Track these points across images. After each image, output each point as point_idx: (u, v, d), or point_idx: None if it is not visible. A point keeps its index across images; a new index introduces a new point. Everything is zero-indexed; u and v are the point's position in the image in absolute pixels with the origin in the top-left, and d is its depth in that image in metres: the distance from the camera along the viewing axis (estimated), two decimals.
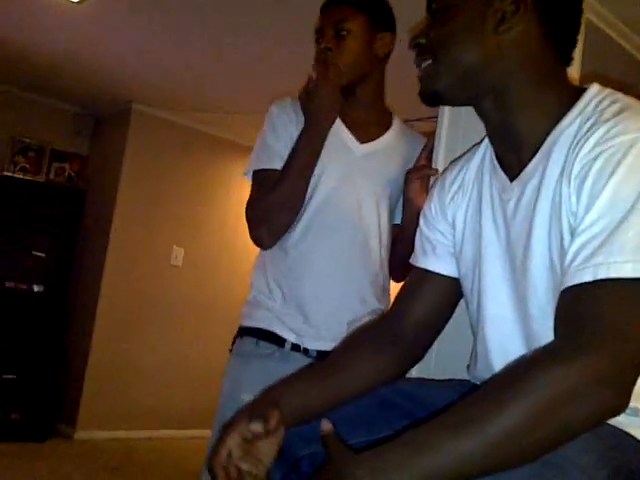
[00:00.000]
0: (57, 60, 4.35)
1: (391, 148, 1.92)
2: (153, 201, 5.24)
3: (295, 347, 1.80)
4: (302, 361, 1.75)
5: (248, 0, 3.11)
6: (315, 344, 1.79)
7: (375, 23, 1.85)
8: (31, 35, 3.93)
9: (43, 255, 4.96)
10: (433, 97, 1.16)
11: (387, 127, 1.94)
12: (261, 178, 1.85)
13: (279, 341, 1.80)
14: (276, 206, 1.78)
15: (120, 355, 5.10)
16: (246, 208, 1.87)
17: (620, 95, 1.02)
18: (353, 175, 1.85)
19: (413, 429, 0.87)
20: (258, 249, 1.92)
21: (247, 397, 1.60)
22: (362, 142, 1.89)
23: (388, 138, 1.93)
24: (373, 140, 1.90)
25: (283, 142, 1.83)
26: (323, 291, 1.82)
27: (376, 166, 1.89)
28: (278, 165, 1.81)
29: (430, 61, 1.12)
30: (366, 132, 1.90)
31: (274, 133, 1.86)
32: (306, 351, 1.79)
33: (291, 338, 1.80)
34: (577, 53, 1.63)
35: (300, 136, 1.78)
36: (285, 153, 1.80)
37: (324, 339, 1.78)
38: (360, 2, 1.84)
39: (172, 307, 5.35)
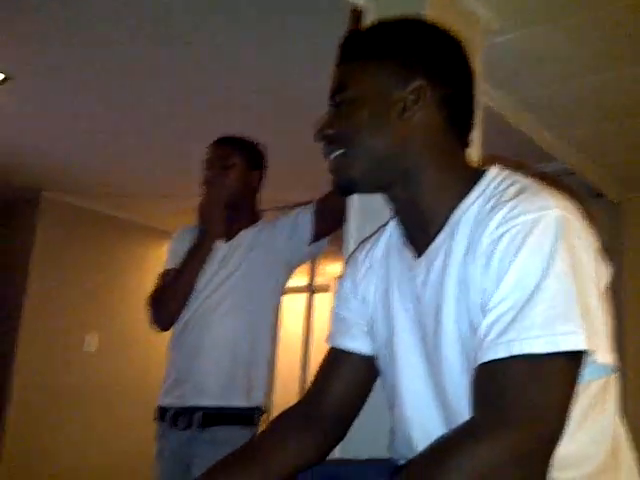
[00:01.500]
0: None
1: (250, 238, 2.42)
2: (65, 288, 5.11)
3: (173, 422, 2.25)
4: (179, 437, 2.23)
5: (155, 90, 3.16)
6: (195, 401, 2.24)
7: (249, 162, 2.44)
8: None
9: None
10: (347, 186, 1.18)
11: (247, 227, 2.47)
12: (162, 276, 2.39)
13: (163, 415, 2.29)
14: (165, 298, 2.31)
15: (35, 451, 4.84)
16: (146, 301, 2.35)
17: (518, 176, 1.07)
18: (219, 270, 2.35)
19: None
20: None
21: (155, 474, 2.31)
22: (227, 241, 2.41)
23: (246, 232, 2.44)
24: (235, 237, 2.43)
25: (179, 251, 2.36)
26: (194, 362, 2.28)
27: (239, 255, 2.38)
28: (172, 265, 2.37)
29: (341, 151, 1.15)
30: (234, 234, 2.44)
31: (172, 246, 2.49)
32: (175, 421, 2.24)
33: (174, 404, 2.26)
34: (476, 136, 1.71)
35: (193, 245, 2.32)
36: (178, 258, 2.34)
37: (202, 397, 2.24)
38: (239, 145, 2.44)
39: (88, 396, 5.14)
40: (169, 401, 2.29)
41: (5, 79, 3.14)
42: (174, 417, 2.25)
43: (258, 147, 2.50)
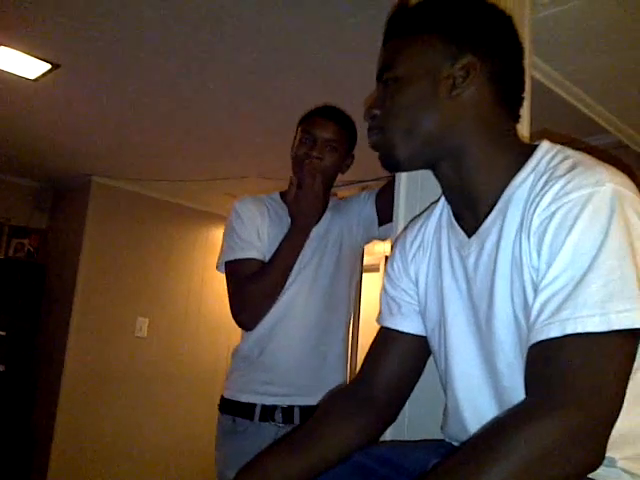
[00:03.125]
0: (14, 136, 4.34)
1: (334, 226, 2.24)
2: (116, 272, 5.16)
3: (263, 416, 2.07)
4: (272, 431, 2.06)
5: (198, 77, 3.17)
6: (282, 401, 2.09)
7: (349, 147, 2.20)
8: None
9: (4, 333, 4.85)
10: (394, 165, 1.17)
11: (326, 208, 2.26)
12: (238, 267, 2.10)
13: (250, 412, 2.08)
14: (261, 295, 2.05)
15: (87, 433, 4.90)
16: (232, 297, 2.11)
17: (570, 151, 1.04)
18: (309, 262, 2.16)
19: None
20: (227, 316, 2.12)
21: (231, 474, 1.95)
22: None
23: (328, 218, 2.25)
24: (317, 223, 2.19)
25: (253, 233, 2.12)
26: (287, 357, 2.12)
27: (328, 246, 2.20)
28: (252, 254, 2.10)
29: (388, 130, 1.13)
30: (317, 220, 2.20)
31: (243, 226, 2.13)
32: (272, 415, 2.08)
33: (260, 401, 2.08)
34: (526, 111, 1.67)
35: (287, 236, 2.07)
36: (256, 242, 2.11)
37: (290, 396, 2.10)
38: (347, 126, 2.18)
39: (138, 380, 5.19)
40: (254, 399, 2.10)
41: (53, 67, 3.17)
42: (266, 412, 2.09)
43: (356, 129, 2.24)
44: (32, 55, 3.06)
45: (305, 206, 2.07)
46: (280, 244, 2.07)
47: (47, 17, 2.69)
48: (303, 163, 2.12)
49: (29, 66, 3.17)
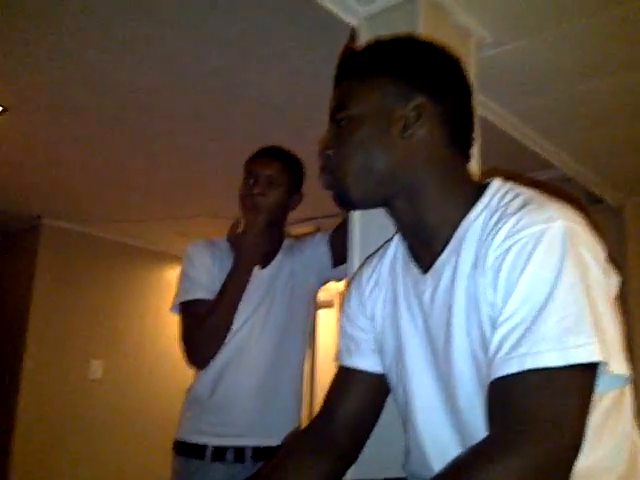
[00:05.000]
0: None
1: (286, 266, 2.27)
2: (68, 315, 5.07)
3: (215, 457, 2.07)
4: (222, 469, 2.06)
5: (155, 115, 3.17)
6: (233, 442, 2.09)
7: (296, 183, 2.24)
8: None
9: None
10: (348, 205, 1.19)
11: (278, 249, 2.30)
12: (189, 308, 2.12)
13: (201, 453, 2.08)
14: (209, 335, 2.06)
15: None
16: (181, 337, 2.11)
17: (521, 189, 1.07)
18: (261, 302, 2.18)
19: None
20: (179, 355, 2.12)
21: None
22: (262, 267, 2.22)
23: (280, 258, 2.28)
24: (269, 264, 2.24)
25: (204, 274, 2.14)
26: (237, 398, 2.12)
27: (279, 286, 2.23)
28: (202, 295, 2.11)
29: (341, 170, 1.14)
30: (268, 259, 2.25)
31: (194, 267, 2.17)
32: (223, 455, 2.07)
33: (211, 442, 2.08)
34: (476, 149, 1.72)
35: (230, 273, 2.08)
36: (207, 283, 2.13)
37: (242, 437, 2.10)
38: (290, 163, 2.23)
39: (94, 424, 5.07)
40: (205, 440, 2.10)
41: (3, 110, 3.15)
42: (218, 452, 2.08)
43: (303, 167, 2.31)
44: None
45: (246, 243, 2.09)
46: (224, 282, 2.08)
47: None
48: (246, 201, 2.17)
49: None
